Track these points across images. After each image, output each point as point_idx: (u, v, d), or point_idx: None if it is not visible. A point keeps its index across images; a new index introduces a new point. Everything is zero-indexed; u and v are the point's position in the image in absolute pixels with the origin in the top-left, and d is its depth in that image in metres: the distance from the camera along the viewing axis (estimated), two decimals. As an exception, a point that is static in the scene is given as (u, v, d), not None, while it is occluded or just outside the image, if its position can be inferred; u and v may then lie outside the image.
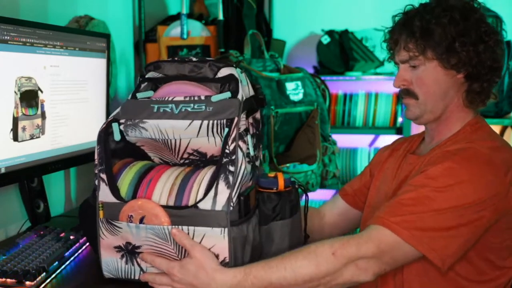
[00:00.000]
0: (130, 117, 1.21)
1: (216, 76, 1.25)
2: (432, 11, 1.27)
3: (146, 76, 1.29)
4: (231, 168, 1.14)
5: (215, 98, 1.18)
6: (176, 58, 1.29)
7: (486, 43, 1.25)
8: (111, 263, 1.23)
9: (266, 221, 1.24)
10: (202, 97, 1.19)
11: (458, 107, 1.31)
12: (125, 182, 1.21)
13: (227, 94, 1.19)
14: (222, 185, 1.13)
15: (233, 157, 1.13)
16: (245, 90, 1.24)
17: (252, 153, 1.19)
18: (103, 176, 1.20)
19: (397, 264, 1.19)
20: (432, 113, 1.31)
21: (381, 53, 2.96)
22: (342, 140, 2.87)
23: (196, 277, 1.14)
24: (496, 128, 2.96)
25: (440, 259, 1.15)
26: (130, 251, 1.21)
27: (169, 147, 1.24)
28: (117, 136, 1.23)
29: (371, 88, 3.11)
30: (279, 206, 1.24)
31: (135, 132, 1.22)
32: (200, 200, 1.14)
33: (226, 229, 1.13)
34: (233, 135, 1.14)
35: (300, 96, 2.15)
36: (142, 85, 1.29)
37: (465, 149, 1.22)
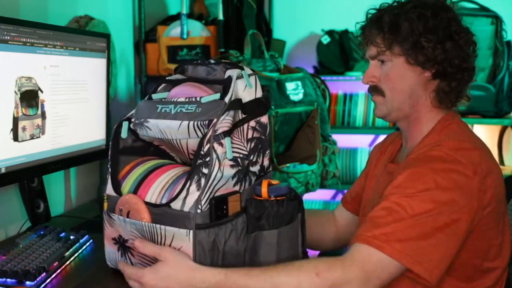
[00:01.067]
0: (137, 116, 1.25)
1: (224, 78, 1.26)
2: (402, 7, 1.26)
3: (167, 78, 1.31)
4: (205, 170, 1.12)
5: (204, 99, 1.18)
6: (199, 61, 1.31)
7: (455, 41, 1.24)
8: (111, 254, 1.28)
9: (251, 229, 1.19)
10: (198, 98, 1.20)
11: (427, 107, 1.30)
12: (131, 178, 1.23)
13: (216, 96, 1.18)
14: (193, 187, 1.12)
15: (207, 159, 1.12)
16: (250, 93, 1.23)
17: (230, 156, 1.14)
18: (110, 170, 1.26)
19: (385, 282, 1.13)
20: (399, 110, 1.30)
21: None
22: (342, 140, 2.87)
23: (174, 278, 1.11)
24: (496, 128, 2.96)
25: (427, 271, 1.11)
26: (122, 244, 1.24)
27: (176, 147, 1.25)
28: (123, 134, 1.26)
29: (371, 88, 3.10)
30: (265, 215, 1.18)
31: (142, 131, 1.25)
32: (173, 200, 1.14)
33: (191, 232, 1.11)
34: (207, 137, 1.13)
35: (300, 96, 2.15)
36: (160, 87, 1.30)
37: (429, 151, 1.20)
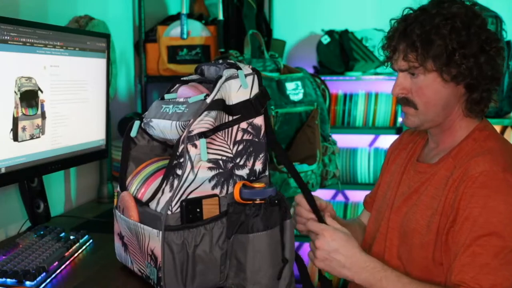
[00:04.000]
0: (147, 116, 1.26)
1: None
2: (432, 19, 1.22)
3: (181, 78, 1.31)
4: (178, 172, 1.11)
5: (191, 99, 1.17)
6: (212, 61, 1.31)
7: (487, 53, 1.22)
8: (118, 248, 1.31)
9: (230, 234, 1.16)
10: (188, 99, 1.20)
11: (459, 116, 1.29)
12: (140, 177, 1.25)
13: (201, 96, 1.16)
14: (167, 188, 1.12)
15: (181, 160, 1.11)
16: (244, 93, 1.19)
17: (204, 158, 1.12)
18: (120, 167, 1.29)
19: None
20: (432, 121, 1.30)
21: (381, 53, 2.96)
22: (342, 140, 2.87)
23: (343, 246, 1.21)
24: (496, 128, 2.96)
25: None
26: (123, 239, 1.26)
27: None
28: (133, 133, 1.27)
29: (371, 88, 3.11)
30: (241, 218, 1.14)
31: (150, 130, 1.26)
32: (150, 200, 1.15)
33: (161, 233, 1.11)
34: (181, 137, 1.12)
35: (300, 96, 2.15)
36: (174, 87, 1.30)
37: (492, 176, 1.18)
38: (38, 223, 1.66)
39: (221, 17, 2.64)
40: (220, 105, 1.15)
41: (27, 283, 1.21)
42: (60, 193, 1.99)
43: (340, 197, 3.27)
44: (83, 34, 1.76)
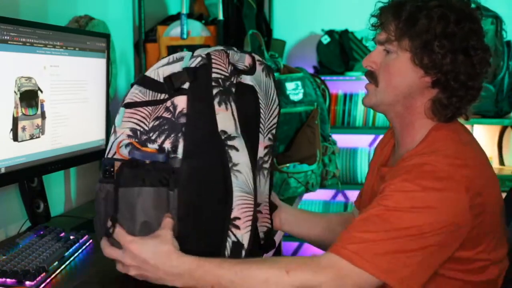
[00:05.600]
0: None
1: None
2: (428, 1, 1.17)
3: None
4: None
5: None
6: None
7: (468, 56, 1.16)
8: None
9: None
10: None
11: (421, 114, 1.22)
12: None
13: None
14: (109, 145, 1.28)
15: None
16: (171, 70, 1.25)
17: (117, 124, 1.24)
18: None
19: None
20: (389, 106, 1.24)
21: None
22: (342, 140, 2.87)
23: (154, 256, 1.11)
24: (496, 128, 2.96)
25: (399, 283, 1.06)
26: None
27: None
28: None
29: (371, 88, 3.11)
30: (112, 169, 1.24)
31: None
32: None
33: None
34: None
35: (300, 96, 2.15)
36: None
37: (420, 166, 1.12)
38: (38, 223, 1.66)
39: (221, 17, 2.64)
40: (140, 80, 1.25)
41: (27, 283, 1.21)
42: (60, 193, 1.99)
43: (340, 197, 3.28)
44: (83, 34, 1.76)
